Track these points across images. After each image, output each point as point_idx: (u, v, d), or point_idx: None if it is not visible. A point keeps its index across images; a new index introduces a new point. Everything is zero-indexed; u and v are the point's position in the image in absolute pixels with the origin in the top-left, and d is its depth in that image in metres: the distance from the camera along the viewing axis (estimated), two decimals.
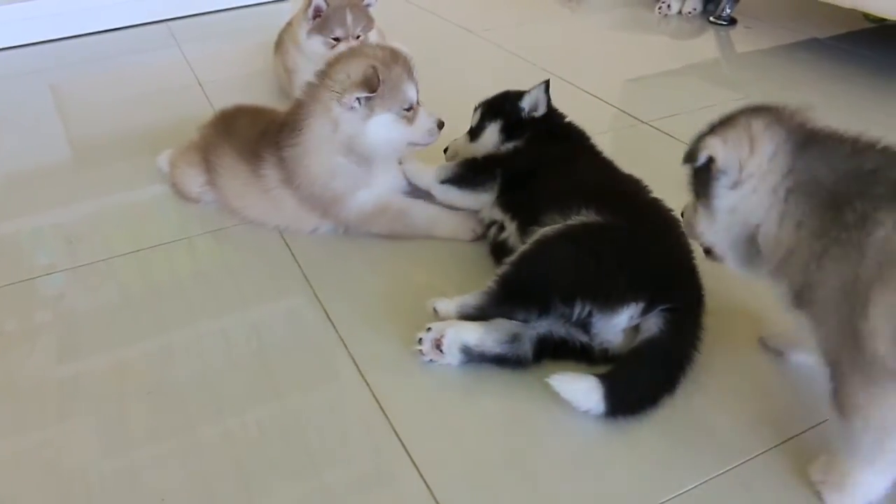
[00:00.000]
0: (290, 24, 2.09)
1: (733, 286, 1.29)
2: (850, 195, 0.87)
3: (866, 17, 2.52)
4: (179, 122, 2.08)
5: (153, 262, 1.49)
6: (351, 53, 1.43)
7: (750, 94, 2.06)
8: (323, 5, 1.91)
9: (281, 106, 1.95)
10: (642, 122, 1.93)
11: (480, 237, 1.46)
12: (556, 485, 0.99)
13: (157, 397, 1.16)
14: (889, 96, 2.07)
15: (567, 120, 1.50)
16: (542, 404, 1.08)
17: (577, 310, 1.10)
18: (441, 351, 1.14)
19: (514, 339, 1.13)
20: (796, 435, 1.05)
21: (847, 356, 0.87)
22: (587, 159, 1.39)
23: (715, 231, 1.01)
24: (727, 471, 1.00)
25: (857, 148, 0.92)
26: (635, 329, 1.12)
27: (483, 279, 1.32)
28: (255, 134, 1.51)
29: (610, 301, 1.10)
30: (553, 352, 1.15)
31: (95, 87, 2.44)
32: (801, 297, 0.92)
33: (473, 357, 1.14)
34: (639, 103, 2.05)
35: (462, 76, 2.34)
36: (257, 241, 1.52)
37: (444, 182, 1.46)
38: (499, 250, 1.34)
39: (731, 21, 2.71)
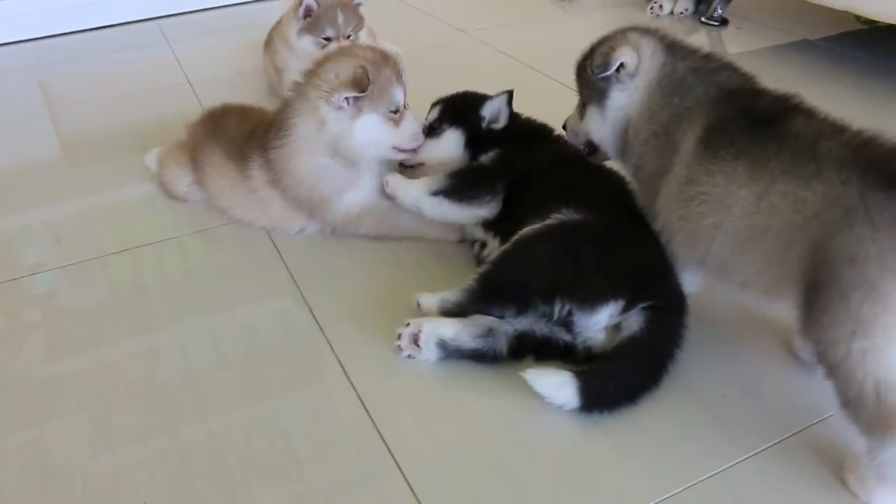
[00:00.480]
0: (279, 22, 2.08)
1: (720, 285, 1.29)
2: (683, 89, 1.13)
3: (858, 18, 2.52)
4: (168, 121, 2.07)
5: (141, 261, 1.48)
6: (340, 53, 1.42)
7: None
8: (314, 5, 1.91)
9: (270, 105, 1.96)
10: None
11: (465, 239, 1.45)
12: (539, 486, 0.99)
13: (142, 397, 1.16)
14: (880, 98, 2.07)
15: (526, 118, 1.48)
16: (526, 406, 1.08)
17: (556, 308, 1.11)
18: (418, 346, 1.15)
19: (489, 333, 1.13)
20: (783, 438, 1.05)
21: None
22: (559, 158, 1.37)
23: (604, 128, 1.24)
24: (713, 474, 1.00)
25: (704, 56, 1.18)
26: (618, 327, 1.12)
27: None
28: (243, 134, 1.51)
29: (589, 299, 1.10)
30: (537, 351, 1.15)
31: (85, 84, 2.43)
32: (635, 176, 1.22)
33: (450, 352, 1.15)
34: None
35: (452, 76, 2.32)
36: (245, 241, 1.52)
37: (435, 194, 1.37)
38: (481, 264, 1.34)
39: (723, 21, 2.72)
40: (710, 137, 1.06)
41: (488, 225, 1.34)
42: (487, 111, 1.44)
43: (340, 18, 1.93)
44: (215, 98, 2.17)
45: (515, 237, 1.18)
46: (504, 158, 1.37)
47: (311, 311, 1.31)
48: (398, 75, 1.40)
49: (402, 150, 1.43)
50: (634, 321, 1.10)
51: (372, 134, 1.38)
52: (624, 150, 1.22)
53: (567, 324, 1.12)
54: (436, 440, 1.06)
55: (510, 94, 1.45)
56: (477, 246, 1.38)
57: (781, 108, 1.06)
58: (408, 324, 1.17)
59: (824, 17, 2.51)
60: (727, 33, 2.66)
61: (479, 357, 1.14)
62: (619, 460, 1.02)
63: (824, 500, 0.97)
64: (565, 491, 0.99)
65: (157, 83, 2.37)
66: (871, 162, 0.93)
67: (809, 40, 2.51)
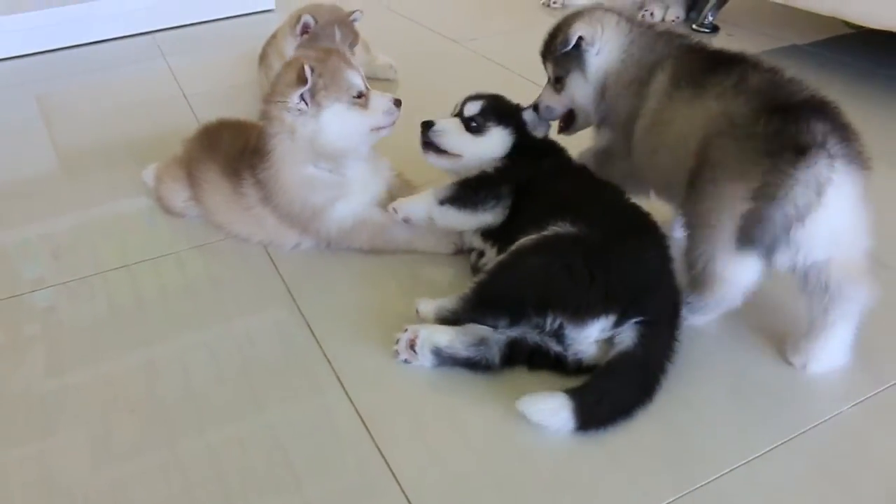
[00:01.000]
0: (274, 37, 2.10)
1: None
2: (655, 47, 1.36)
3: (846, 23, 2.55)
4: (164, 134, 2.09)
5: (139, 277, 1.50)
6: (284, 65, 1.45)
7: None
8: (311, 22, 1.93)
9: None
10: None
11: (460, 251, 1.47)
12: (535, 497, 1.01)
13: (142, 412, 1.17)
14: (867, 101, 2.09)
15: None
16: (522, 418, 1.10)
17: (548, 320, 1.13)
18: (414, 351, 1.17)
19: (482, 342, 1.16)
20: (776, 446, 1.06)
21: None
22: (559, 171, 1.40)
23: (587, 86, 1.43)
24: (705, 484, 1.02)
25: (666, 28, 1.43)
26: (610, 341, 1.14)
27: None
28: (237, 151, 1.53)
29: (580, 313, 1.11)
30: (528, 360, 1.17)
31: (81, 98, 2.45)
32: (603, 121, 1.44)
33: (444, 359, 1.17)
34: None
35: (446, 87, 2.34)
36: (242, 256, 1.54)
37: (442, 203, 1.37)
38: (477, 272, 1.36)
39: (714, 28, 2.74)
40: (676, 76, 1.29)
41: (487, 234, 1.36)
42: (528, 117, 1.48)
43: (338, 35, 1.95)
44: (210, 111, 2.19)
45: (512, 248, 1.20)
46: (509, 167, 1.40)
47: (308, 325, 1.33)
48: (347, 61, 1.41)
49: (381, 128, 1.44)
50: (627, 335, 1.12)
51: (342, 123, 1.39)
52: (598, 104, 1.44)
53: (558, 336, 1.14)
54: (433, 452, 1.08)
55: (535, 106, 1.50)
56: (474, 255, 1.40)
57: (733, 56, 1.29)
58: (405, 329, 1.20)
59: (812, 21, 2.53)
60: (718, 39, 2.68)
61: (472, 365, 1.16)
62: (613, 470, 1.04)
63: None
64: (560, 502, 1.00)
65: (153, 97, 2.39)
66: (775, 93, 1.17)
67: (798, 45, 2.53)
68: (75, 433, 1.15)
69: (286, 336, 1.32)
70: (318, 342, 1.29)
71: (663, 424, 1.10)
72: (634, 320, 1.12)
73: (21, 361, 1.30)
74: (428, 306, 1.24)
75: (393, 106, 1.43)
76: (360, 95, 1.40)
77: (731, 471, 1.03)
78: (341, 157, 1.43)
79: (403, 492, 1.02)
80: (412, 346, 1.17)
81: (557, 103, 1.50)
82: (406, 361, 1.20)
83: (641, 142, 1.34)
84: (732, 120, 1.15)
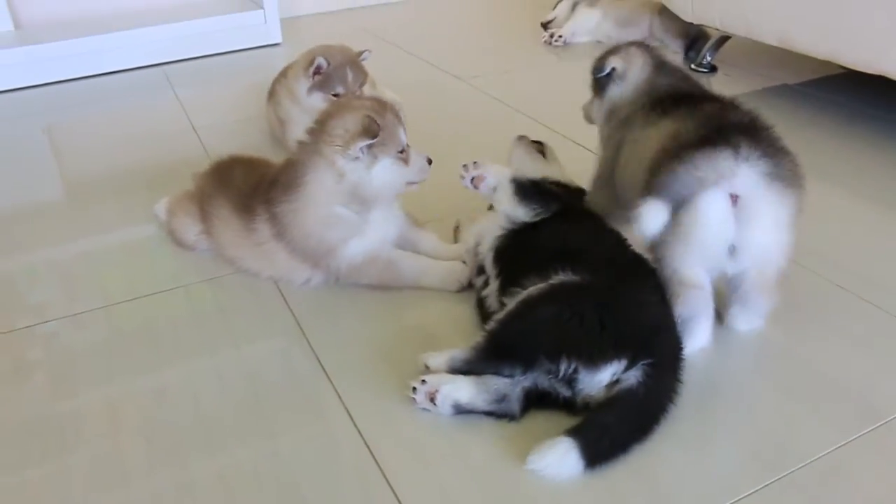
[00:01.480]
0: (284, 76, 2.15)
1: (714, 337, 1.35)
2: (653, 89, 1.50)
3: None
4: (174, 167, 2.14)
5: (149, 310, 1.53)
6: (340, 108, 1.49)
7: None
8: (325, 64, 1.98)
9: (273, 153, 2.03)
10: None
11: (467, 287, 1.51)
12: None
13: (152, 436, 1.20)
14: (858, 141, 2.14)
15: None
16: (526, 453, 1.11)
17: (563, 367, 1.15)
18: (434, 403, 1.19)
19: (503, 399, 1.18)
20: (770, 482, 1.08)
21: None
22: (572, 214, 1.44)
23: (601, 111, 1.61)
24: None
25: (683, 75, 1.56)
26: (616, 381, 1.16)
27: (470, 329, 1.39)
28: (249, 187, 1.57)
29: (594, 359, 1.14)
30: (537, 401, 1.19)
31: (91, 129, 2.49)
32: (602, 143, 1.60)
33: (464, 411, 1.19)
34: None
35: (450, 123, 2.41)
36: (252, 290, 1.57)
37: (511, 182, 1.43)
38: (481, 306, 1.40)
39: (712, 68, 2.81)
40: (651, 107, 1.45)
41: (498, 256, 1.39)
42: None
43: (350, 76, 2.00)
44: (219, 143, 2.25)
45: (521, 297, 1.23)
46: (558, 192, 1.48)
47: (318, 359, 1.36)
48: (398, 117, 1.49)
49: (414, 183, 1.53)
50: (632, 374, 1.15)
51: (388, 176, 1.47)
52: (603, 127, 1.61)
53: (571, 381, 1.16)
54: (442, 489, 1.10)
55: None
56: (481, 280, 1.43)
57: (705, 93, 1.48)
58: (423, 381, 1.20)
59: (807, 62, 2.58)
60: (716, 79, 2.74)
61: (492, 415, 1.19)
62: None
63: None
64: None
65: (162, 128, 2.43)
66: (720, 116, 1.32)
67: (789, 85, 2.60)
68: (85, 457, 1.17)
69: (296, 369, 1.34)
70: (328, 376, 1.31)
71: (660, 460, 1.12)
72: (643, 362, 1.15)
73: (29, 386, 1.33)
74: (438, 360, 1.24)
75: (426, 164, 1.53)
76: (402, 150, 1.48)
77: None
78: (376, 201, 1.49)
79: None
80: (432, 398, 1.19)
81: (589, 114, 1.70)
82: (424, 409, 1.21)
83: (621, 168, 1.48)
84: (677, 136, 1.31)
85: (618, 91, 1.56)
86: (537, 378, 1.18)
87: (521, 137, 1.73)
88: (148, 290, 1.58)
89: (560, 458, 1.08)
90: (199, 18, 3.12)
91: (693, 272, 1.28)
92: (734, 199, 1.21)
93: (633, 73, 1.54)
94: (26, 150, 2.35)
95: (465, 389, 1.18)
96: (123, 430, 1.22)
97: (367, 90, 2.11)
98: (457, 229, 1.67)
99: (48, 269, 1.69)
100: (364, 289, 1.54)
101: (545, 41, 3.19)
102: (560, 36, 3.14)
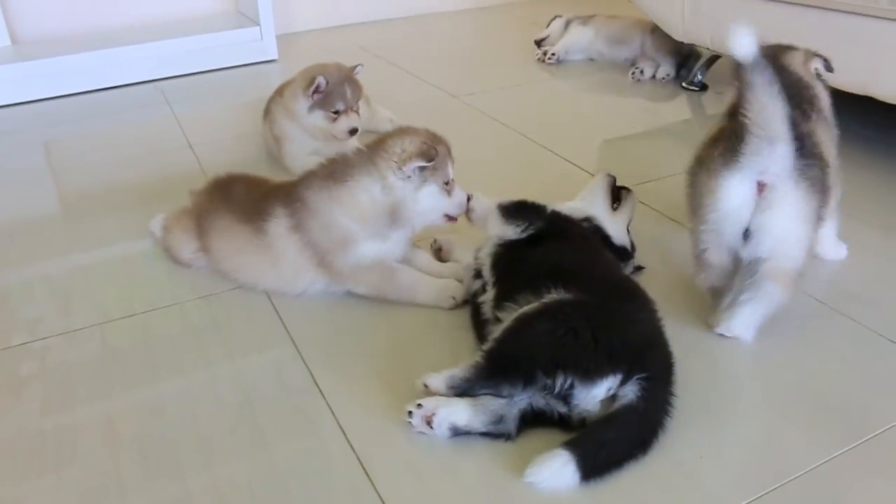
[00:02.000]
0: (280, 94, 2.17)
1: (706, 355, 1.37)
2: None
3: None
4: (169, 181, 2.16)
5: (144, 327, 1.53)
6: (402, 132, 1.58)
7: None
8: (324, 83, 2.01)
9: (270, 171, 2.05)
10: None
11: (459, 305, 1.53)
12: None
13: (148, 450, 1.20)
14: (849, 162, 2.15)
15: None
16: (519, 469, 1.13)
17: (559, 382, 1.16)
18: (431, 427, 1.20)
19: (500, 420, 1.19)
20: (759, 496, 1.10)
21: None
22: (571, 237, 1.47)
23: None
24: None
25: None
26: (612, 398, 1.18)
27: (464, 345, 1.41)
28: (258, 195, 1.61)
29: (589, 373, 1.16)
30: (532, 421, 1.20)
31: (88, 144, 2.51)
32: None
33: (461, 433, 1.20)
34: (614, 167, 2.13)
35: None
36: (247, 307, 1.58)
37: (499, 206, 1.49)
38: (476, 314, 1.42)
39: (703, 87, 2.84)
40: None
41: (496, 263, 1.41)
42: None
43: (349, 92, 2.05)
44: (215, 160, 2.27)
45: (516, 315, 1.25)
46: (541, 208, 1.49)
47: (312, 374, 1.37)
48: (449, 151, 1.57)
49: (450, 218, 1.58)
50: (630, 390, 1.16)
51: (432, 202, 1.54)
52: None
53: (566, 397, 1.17)
54: (434, 502, 1.11)
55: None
56: (479, 285, 1.43)
57: None
58: (419, 405, 1.21)
59: None
60: (707, 97, 2.78)
61: (488, 435, 1.20)
62: None
63: None
64: None
65: (157, 144, 2.45)
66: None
67: None
68: (80, 472, 1.17)
69: (289, 383, 1.35)
70: (321, 391, 1.32)
71: (649, 478, 1.13)
72: (637, 377, 1.17)
73: (24, 402, 1.33)
74: (437, 380, 1.24)
75: (465, 201, 1.58)
76: (447, 183, 1.54)
77: None
78: (411, 223, 1.56)
79: None
80: (429, 422, 1.20)
81: None
82: (420, 433, 1.22)
83: None
84: (721, 132, 1.37)
85: None
86: (533, 397, 1.19)
87: (608, 175, 1.66)
88: (143, 306, 1.59)
89: (557, 470, 1.10)
90: (196, 35, 3.15)
91: (718, 254, 1.36)
92: (761, 186, 1.28)
93: None
94: (22, 166, 2.36)
95: (462, 412, 1.20)
96: (119, 445, 1.23)
97: (361, 107, 2.14)
98: (440, 250, 1.70)
99: (44, 285, 1.70)
100: (358, 305, 1.55)
101: (538, 59, 3.23)
102: (553, 53, 3.18)
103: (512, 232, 1.44)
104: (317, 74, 2.01)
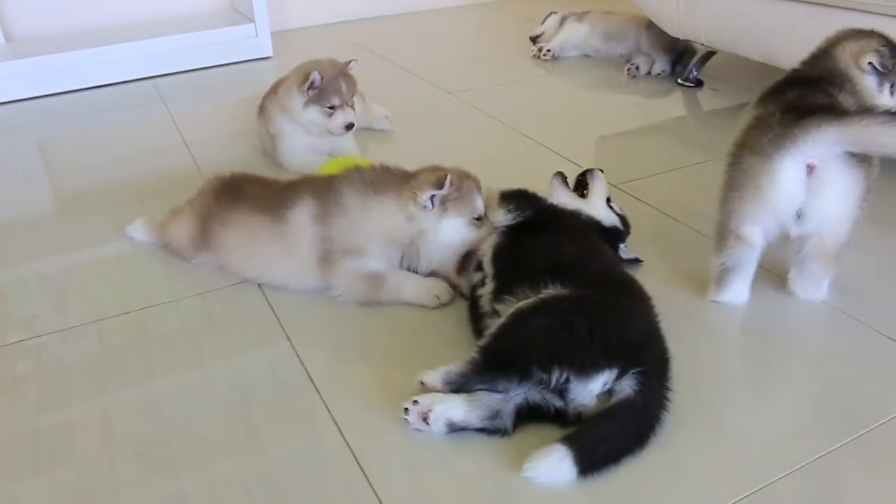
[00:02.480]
0: (274, 91, 2.16)
1: (701, 349, 1.37)
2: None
3: None
4: (164, 179, 2.15)
5: (140, 324, 1.53)
6: (431, 168, 1.58)
7: (717, 151, 2.16)
8: (319, 79, 2.01)
9: (266, 169, 2.05)
10: (613, 186, 2.01)
11: (445, 305, 1.53)
12: None
13: (143, 447, 1.20)
14: None
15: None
16: (516, 464, 1.13)
17: (554, 376, 1.16)
18: (427, 423, 1.20)
19: (496, 415, 1.19)
20: (752, 492, 1.10)
21: None
22: (569, 231, 1.47)
23: None
24: None
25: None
26: (608, 393, 1.18)
27: (460, 342, 1.40)
28: (277, 190, 1.63)
29: (585, 367, 1.16)
30: (528, 416, 1.20)
31: (82, 142, 2.50)
32: None
33: (457, 429, 1.20)
34: (609, 164, 2.14)
35: (440, 137, 2.43)
36: (243, 305, 1.57)
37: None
38: (474, 306, 1.42)
39: (698, 82, 2.84)
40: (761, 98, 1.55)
41: (496, 255, 1.42)
42: None
43: (344, 87, 2.05)
44: (211, 158, 2.27)
45: (512, 311, 1.25)
46: (548, 205, 1.53)
47: (307, 372, 1.37)
48: (479, 186, 1.57)
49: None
50: (627, 384, 1.16)
51: (456, 235, 1.53)
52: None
53: (562, 391, 1.18)
54: (431, 498, 1.11)
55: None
56: (479, 277, 1.43)
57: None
58: (415, 401, 1.21)
59: None
60: (702, 94, 2.78)
61: (485, 431, 1.20)
62: None
63: None
64: None
65: (152, 141, 2.44)
66: (798, 101, 1.42)
67: None
68: (75, 471, 1.17)
69: (284, 381, 1.35)
70: (316, 388, 1.32)
71: (645, 474, 1.13)
72: (633, 371, 1.17)
73: (19, 400, 1.33)
74: (433, 377, 1.24)
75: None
76: (478, 218, 1.54)
77: None
78: (434, 255, 1.56)
79: None
80: (425, 418, 1.19)
81: None
82: (417, 430, 1.22)
83: None
84: (761, 117, 1.41)
85: None
86: (529, 392, 1.19)
87: (557, 174, 1.69)
88: (139, 304, 1.59)
89: (555, 465, 1.10)
90: (191, 32, 3.14)
91: (752, 230, 1.41)
92: (810, 168, 1.33)
93: None
94: (16, 164, 2.35)
95: (458, 408, 1.19)
96: (114, 443, 1.23)
97: (356, 103, 2.14)
98: None
99: (39, 283, 1.70)
100: (355, 305, 1.55)
101: (534, 55, 3.23)
102: (549, 50, 3.18)
103: (502, 216, 1.46)
104: (311, 70, 2.01)
